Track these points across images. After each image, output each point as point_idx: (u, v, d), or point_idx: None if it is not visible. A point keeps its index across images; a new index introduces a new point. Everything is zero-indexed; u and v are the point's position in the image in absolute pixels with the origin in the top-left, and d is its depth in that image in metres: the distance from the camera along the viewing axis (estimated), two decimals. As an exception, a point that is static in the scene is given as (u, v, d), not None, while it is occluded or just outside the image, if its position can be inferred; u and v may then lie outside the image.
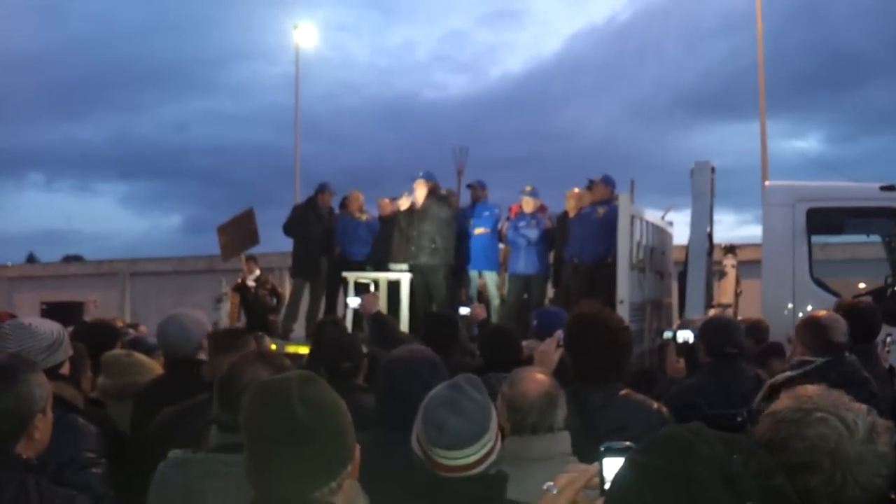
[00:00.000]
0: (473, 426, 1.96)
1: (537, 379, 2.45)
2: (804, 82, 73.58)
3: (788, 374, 3.37)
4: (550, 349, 3.54)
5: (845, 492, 1.44)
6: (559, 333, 3.56)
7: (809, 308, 5.91)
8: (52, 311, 17.46)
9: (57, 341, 2.96)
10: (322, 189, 9.97)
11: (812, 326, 3.54)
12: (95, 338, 4.50)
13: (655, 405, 3.06)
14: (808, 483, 1.45)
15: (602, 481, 1.37)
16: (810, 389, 1.60)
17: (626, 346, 3.22)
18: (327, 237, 9.79)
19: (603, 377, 3.05)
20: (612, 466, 1.34)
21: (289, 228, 10.01)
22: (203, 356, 3.64)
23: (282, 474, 1.50)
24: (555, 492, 1.42)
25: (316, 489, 1.51)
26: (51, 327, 3.00)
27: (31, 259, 42.60)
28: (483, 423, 1.98)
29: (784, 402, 1.58)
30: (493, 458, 2.00)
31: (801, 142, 73.37)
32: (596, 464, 1.39)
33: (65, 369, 3.01)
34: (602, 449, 1.38)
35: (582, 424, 2.69)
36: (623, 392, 3.05)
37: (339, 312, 8.94)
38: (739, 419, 3.05)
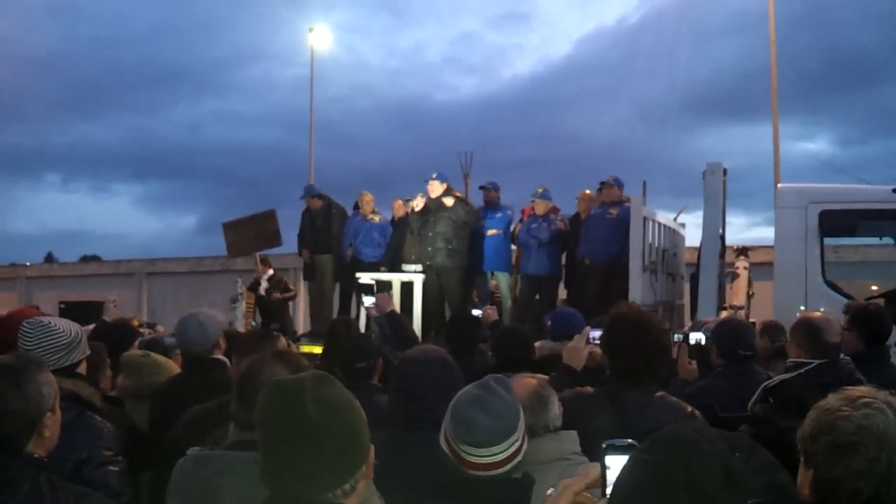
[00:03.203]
0: (502, 424, 1.99)
1: (524, 382, 2.46)
2: (814, 84, 73.10)
3: (782, 376, 3.37)
4: (580, 346, 3.55)
5: (890, 479, 1.43)
6: (588, 330, 3.56)
7: (821, 310, 5.89)
8: (71, 310, 17.57)
9: (75, 340, 2.98)
10: (306, 195, 10.19)
11: (805, 328, 3.53)
12: (114, 337, 4.58)
13: (689, 409, 3.02)
14: (849, 466, 1.45)
15: (604, 479, 1.37)
16: (861, 388, 1.62)
17: (666, 348, 3.19)
18: (316, 236, 9.93)
19: (640, 378, 3.01)
20: (614, 464, 1.35)
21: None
22: (219, 354, 3.70)
23: (295, 474, 1.49)
24: (555, 496, 1.43)
25: (329, 490, 1.49)
26: (69, 326, 3.02)
27: (49, 259, 42.98)
28: (511, 422, 2.01)
29: (831, 397, 1.60)
30: (520, 457, 2.03)
31: (810, 144, 73.05)
32: (597, 468, 1.39)
33: (82, 368, 3.04)
34: (604, 446, 1.37)
35: (619, 425, 2.68)
36: (659, 394, 3.02)
37: (353, 313, 9.00)
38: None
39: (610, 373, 3.14)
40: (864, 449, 1.45)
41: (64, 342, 2.93)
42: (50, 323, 2.99)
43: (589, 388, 3.09)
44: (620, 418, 2.79)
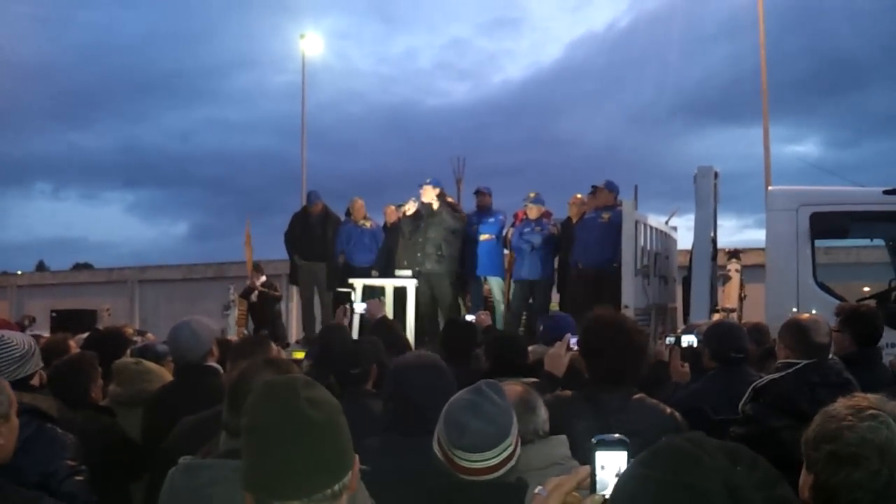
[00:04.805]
0: (495, 429, 2.00)
1: (510, 389, 2.44)
2: (804, 88, 73.37)
3: (771, 376, 3.39)
4: (560, 352, 3.55)
5: (890, 493, 1.42)
6: (568, 337, 3.56)
7: (814, 312, 5.92)
8: (63, 318, 17.37)
9: (28, 352, 3.02)
10: (310, 201, 10.19)
11: (792, 328, 3.54)
12: (106, 346, 4.55)
13: (668, 410, 3.03)
14: (850, 477, 1.45)
15: (594, 476, 1.36)
16: (870, 397, 1.61)
17: (642, 348, 3.19)
18: (312, 243, 9.90)
19: (618, 380, 3.02)
20: (604, 460, 1.35)
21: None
22: (212, 362, 3.68)
23: (286, 472, 1.47)
24: (544, 495, 1.41)
25: (317, 490, 1.48)
26: (22, 339, 3.08)
27: (41, 267, 42.79)
28: (504, 427, 2.02)
29: (838, 404, 1.59)
30: (513, 462, 2.03)
31: (799, 147, 73.26)
32: (586, 467, 1.39)
33: (35, 381, 3.07)
34: (594, 442, 1.36)
35: (599, 427, 2.70)
36: (637, 396, 3.03)
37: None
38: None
39: (588, 376, 3.15)
40: (866, 462, 1.45)
41: (17, 354, 2.98)
42: (3, 336, 3.04)
43: (568, 392, 3.10)
44: (600, 421, 2.80)
